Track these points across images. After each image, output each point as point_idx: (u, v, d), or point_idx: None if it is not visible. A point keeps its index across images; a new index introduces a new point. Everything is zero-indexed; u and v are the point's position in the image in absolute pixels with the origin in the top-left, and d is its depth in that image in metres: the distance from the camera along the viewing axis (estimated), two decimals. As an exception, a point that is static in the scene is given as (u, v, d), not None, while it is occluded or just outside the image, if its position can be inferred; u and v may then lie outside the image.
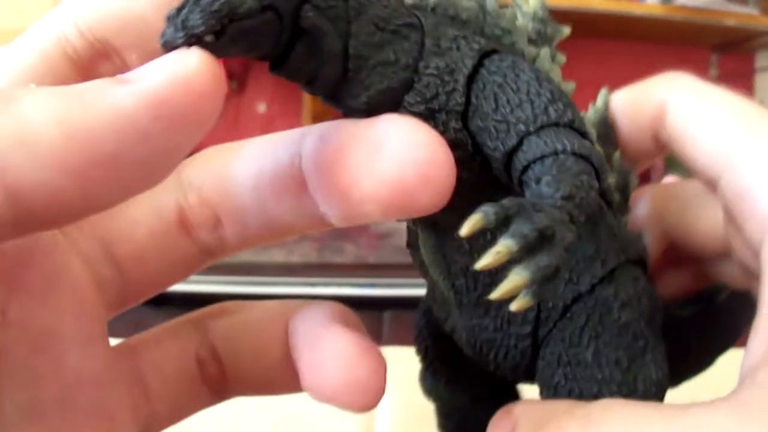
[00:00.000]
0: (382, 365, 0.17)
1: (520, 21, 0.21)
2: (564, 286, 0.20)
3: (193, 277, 0.55)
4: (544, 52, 0.21)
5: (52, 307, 0.17)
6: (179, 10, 0.15)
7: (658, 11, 1.68)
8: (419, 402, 0.28)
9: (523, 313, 0.20)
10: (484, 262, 0.15)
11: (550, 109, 0.18)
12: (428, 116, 0.18)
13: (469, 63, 0.18)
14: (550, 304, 0.20)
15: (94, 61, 0.17)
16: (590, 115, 0.23)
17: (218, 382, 0.20)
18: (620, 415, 0.16)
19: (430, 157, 0.15)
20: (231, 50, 0.15)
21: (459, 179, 0.17)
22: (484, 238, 0.18)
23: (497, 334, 0.21)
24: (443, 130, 0.18)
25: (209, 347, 0.20)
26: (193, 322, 0.21)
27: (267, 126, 1.77)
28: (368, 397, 0.17)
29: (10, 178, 0.12)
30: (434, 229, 0.20)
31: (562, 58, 0.22)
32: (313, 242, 0.66)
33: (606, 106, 0.23)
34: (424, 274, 0.23)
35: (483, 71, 0.18)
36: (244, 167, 0.19)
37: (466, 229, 0.15)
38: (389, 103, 0.17)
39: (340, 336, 0.18)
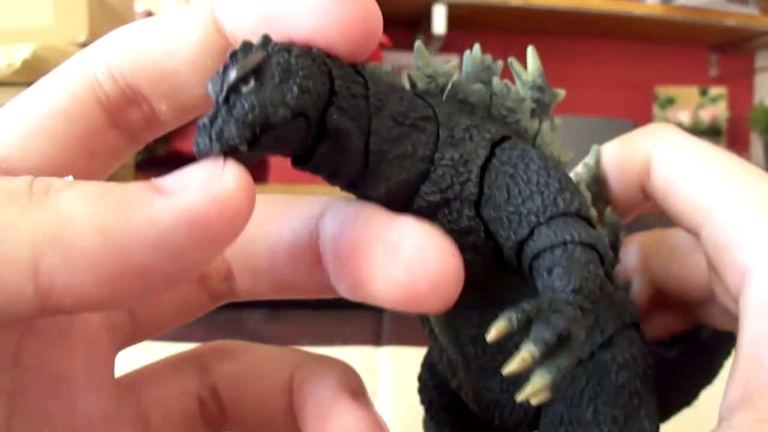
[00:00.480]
0: None
1: (521, 91, 0.22)
2: None
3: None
4: (545, 126, 0.22)
5: (64, 351, 0.17)
6: (212, 120, 0.15)
7: (658, 11, 1.68)
8: (419, 402, 0.28)
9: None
10: (511, 368, 0.16)
11: (559, 200, 0.19)
12: (443, 204, 0.19)
13: (482, 153, 0.19)
14: None
15: (124, 106, 0.17)
16: (582, 172, 0.24)
17: (218, 421, 0.21)
18: None
19: (441, 268, 0.15)
20: (261, 155, 0.16)
21: (471, 262, 0.18)
22: (493, 312, 0.18)
23: (503, 395, 0.22)
24: (457, 218, 0.19)
25: (211, 388, 0.20)
26: (196, 360, 0.21)
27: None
28: None
29: (43, 277, 0.12)
30: (456, 310, 0.21)
31: (558, 121, 0.22)
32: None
33: (597, 162, 0.24)
34: (433, 339, 0.24)
35: (495, 161, 0.19)
36: (262, 231, 0.19)
37: (492, 335, 0.16)
38: (406, 193, 0.18)
39: (350, 413, 0.18)
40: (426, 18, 1.63)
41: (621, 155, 0.23)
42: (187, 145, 1.62)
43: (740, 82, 1.99)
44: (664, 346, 0.26)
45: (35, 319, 0.14)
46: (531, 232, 0.18)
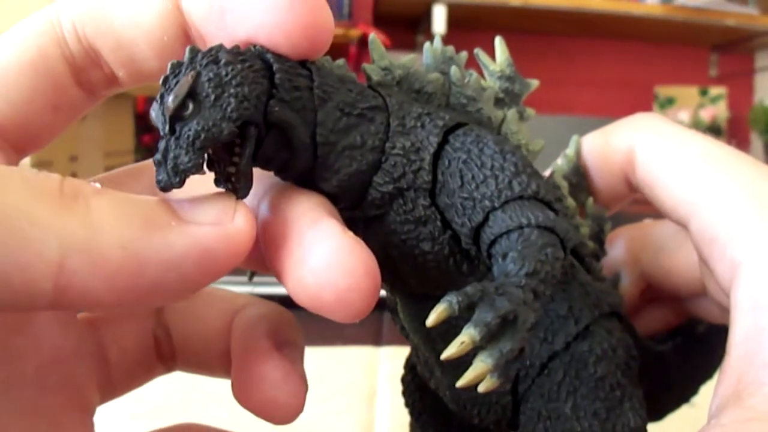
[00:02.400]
0: (302, 388, 0.19)
1: (488, 82, 0.21)
2: (540, 345, 0.21)
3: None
4: (511, 113, 0.21)
5: None
6: (164, 154, 0.15)
7: (658, 11, 1.68)
8: (404, 405, 0.28)
9: None
10: (449, 352, 0.15)
11: (514, 183, 0.18)
12: (397, 195, 0.18)
13: (434, 141, 0.19)
14: (528, 362, 0.21)
15: (87, 66, 0.18)
16: (561, 164, 0.24)
17: (170, 359, 0.22)
18: None
19: (349, 282, 0.15)
20: (220, 165, 0.16)
21: (429, 252, 0.19)
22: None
23: (479, 393, 0.21)
24: (412, 207, 0.19)
25: (164, 327, 0.21)
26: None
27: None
28: (287, 414, 0.19)
29: (64, 278, 0.13)
30: (411, 298, 0.21)
31: (531, 112, 0.22)
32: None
33: (577, 153, 0.24)
34: (405, 337, 0.23)
35: (448, 148, 0.19)
36: None
37: (432, 319, 0.16)
38: (359, 185, 0.18)
39: (270, 362, 0.19)
40: (426, 18, 1.63)
41: (603, 146, 0.23)
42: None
43: (740, 82, 1.99)
44: (659, 341, 0.26)
45: (41, 310, 0.14)
46: (486, 218, 0.18)
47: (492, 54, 0.22)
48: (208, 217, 0.15)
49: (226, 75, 0.16)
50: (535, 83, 0.22)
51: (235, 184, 0.16)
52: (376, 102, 0.19)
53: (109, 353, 0.20)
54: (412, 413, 0.27)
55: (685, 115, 1.71)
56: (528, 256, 0.17)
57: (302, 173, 0.18)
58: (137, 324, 0.21)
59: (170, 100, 0.15)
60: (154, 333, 0.21)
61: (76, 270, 0.13)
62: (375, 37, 0.20)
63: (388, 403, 0.39)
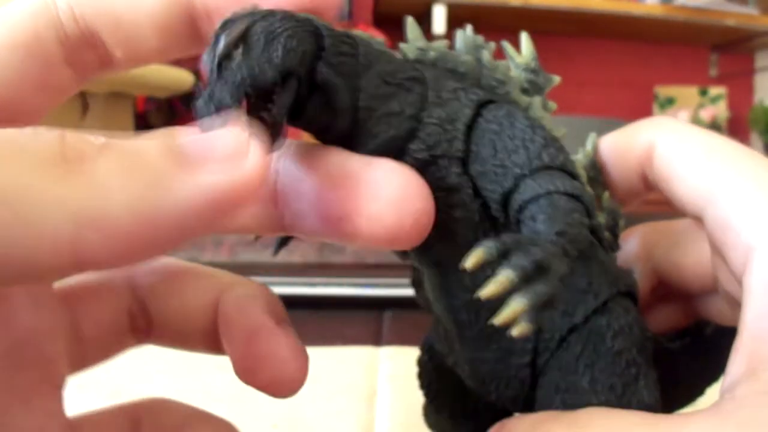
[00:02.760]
0: (306, 361, 0.19)
1: (514, 72, 0.22)
2: (560, 318, 0.21)
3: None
4: (537, 100, 0.22)
5: None
6: (210, 96, 0.16)
7: (658, 11, 1.68)
8: (419, 402, 0.28)
9: (522, 345, 0.21)
10: (487, 291, 0.16)
11: (543, 154, 0.19)
12: (431, 162, 0.19)
13: (468, 113, 0.20)
14: (547, 336, 0.21)
15: (81, 47, 0.18)
16: (580, 158, 0.24)
17: (145, 333, 0.22)
18: (604, 418, 0.17)
19: (423, 205, 0.17)
20: (257, 113, 0.16)
21: (460, 219, 0.19)
22: (484, 274, 0.19)
23: (498, 365, 0.22)
24: (445, 175, 0.19)
25: (141, 302, 0.21)
26: (128, 276, 0.22)
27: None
28: (293, 387, 0.19)
29: (79, 251, 0.13)
30: (438, 267, 0.21)
31: (553, 105, 0.23)
32: (313, 242, 0.66)
33: (595, 149, 0.25)
34: (428, 310, 0.24)
35: (481, 120, 0.20)
36: None
37: (470, 262, 0.16)
38: (395, 150, 0.19)
39: (275, 337, 0.19)
40: (426, 18, 1.63)
41: (621, 143, 0.24)
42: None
43: (740, 82, 2.00)
44: (668, 339, 0.26)
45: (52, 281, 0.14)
46: (516, 184, 0.19)
47: (495, 52, 0.23)
48: (219, 155, 0.15)
49: (279, 27, 0.16)
50: (557, 79, 0.23)
51: (270, 136, 0.17)
52: (415, 74, 0.19)
53: (83, 328, 0.20)
54: (427, 395, 0.27)
55: (685, 115, 1.71)
56: (557, 218, 0.18)
57: (341, 136, 0.18)
58: (112, 299, 0.21)
59: (222, 43, 0.16)
60: (129, 308, 0.21)
61: (90, 241, 0.13)
62: (412, 19, 0.21)
63: (388, 403, 0.39)
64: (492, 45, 0.22)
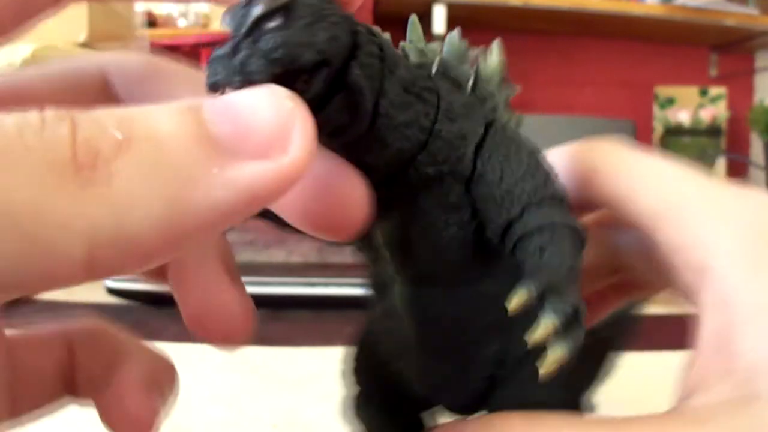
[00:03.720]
0: (252, 314, 0.19)
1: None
2: (525, 336, 0.21)
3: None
4: (515, 119, 0.22)
5: None
6: (233, 51, 0.15)
7: (658, 11, 1.68)
8: (346, 383, 0.28)
9: (483, 362, 0.22)
10: (537, 336, 0.17)
11: (549, 184, 0.20)
12: (437, 178, 0.19)
13: (479, 131, 0.19)
14: (509, 352, 0.22)
15: None
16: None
17: (76, 392, 0.21)
18: (519, 422, 0.18)
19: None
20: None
21: (453, 238, 0.20)
22: (464, 293, 0.20)
23: (455, 376, 0.22)
24: (448, 192, 0.19)
25: (73, 365, 0.20)
26: (65, 336, 0.21)
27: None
28: (239, 340, 0.19)
29: (94, 266, 0.11)
30: (417, 279, 0.21)
31: (522, 119, 0.23)
32: (313, 242, 0.66)
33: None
34: (387, 317, 0.23)
35: (489, 140, 0.20)
36: None
37: (514, 304, 0.17)
38: (404, 162, 0.18)
39: (226, 291, 0.19)
40: (426, 18, 1.63)
41: (568, 164, 0.23)
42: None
43: (740, 82, 1.99)
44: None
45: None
46: (521, 213, 0.19)
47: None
48: (258, 140, 0.12)
49: (326, 11, 0.15)
50: (518, 88, 0.23)
51: None
52: (430, 84, 0.19)
53: (21, 380, 0.19)
54: (359, 390, 0.27)
55: (685, 115, 1.71)
56: (565, 253, 0.18)
57: (351, 141, 0.18)
58: (52, 356, 0.20)
59: (261, 5, 0.14)
60: (64, 367, 0.20)
61: (108, 257, 0.11)
62: (415, 18, 0.21)
63: (388, 403, 0.39)
64: (476, 51, 0.21)
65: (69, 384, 0.21)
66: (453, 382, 0.22)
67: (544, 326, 0.16)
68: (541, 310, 0.17)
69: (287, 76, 0.15)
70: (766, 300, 0.18)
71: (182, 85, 0.19)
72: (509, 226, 0.19)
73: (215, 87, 0.15)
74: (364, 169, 0.18)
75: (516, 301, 0.17)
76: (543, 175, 0.19)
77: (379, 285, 0.24)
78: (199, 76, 0.19)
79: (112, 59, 0.20)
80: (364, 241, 0.21)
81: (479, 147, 0.19)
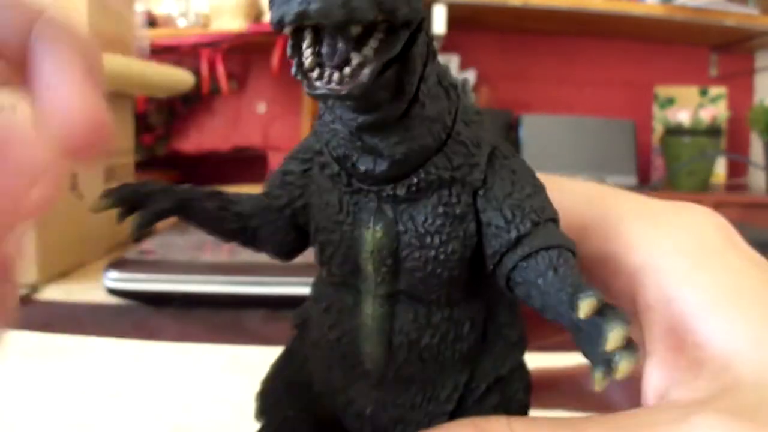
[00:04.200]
0: (104, 121, 0.17)
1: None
2: (491, 369, 0.21)
3: (193, 278, 0.54)
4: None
5: None
6: None
7: (658, 11, 1.68)
8: (257, 410, 0.27)
9: (449, 393, 0.20)
10: (611, 345, 0.15)
11: (550, 205, 0.19)
12: (447, 184, 0.18)
13: (492, 140, 0.19)
14: (474, 385, 0.21)
15: None
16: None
17: None
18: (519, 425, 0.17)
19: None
20: (328, 53, 0.15)
21: (455, 252, 0.18)
22: (440, 314, 0.19)
23: (413, 410, 0.21)
24: (456, 202, 0.18)
25: None
26: None
27: (267, 126, 1.77)
28: (86, 144, 0.17)
29: None
30: (394, 298, 0.19)
31: None
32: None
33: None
34: (336, 342, 0.20)
35: (498, 152, 0.19)
36: None
37: (585, 311, 0.15)
38: (421, 160, 0.17)
39: (77, 84, 0.17)
40: (426, 18, 1.63)
41: None
42: (187, 144, 1.62)
43: (740, 82, 1.99)
44: None
45: None
46: (531, 230, 0.18)
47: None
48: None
49: None
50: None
51: (345, 84, 0.15)
52: (454, 80, 0.18)
53: None
54: (269, 418, 0.23)
55: (685, 115, 1.71)
56: (577, 274, 0.17)
57: (377, 125, 0.17)
58: None
59: None
60: None
61: None
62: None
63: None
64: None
65: None
66: (414, 415, 0.20)
67: (618, 335, 0.15)
68: (605, 321, 0.15)
69: (371, 27, 0.14)
70: (716, 291, 0.18)
71: None
72: (518, 241, 0.18)
73: (302, 17, 0.14)
74: (370, 164, 0.17)
75: (587, 308, 0.15)
76: (544, 194, 0.19)
77: (332, 307, 0.20)
78: None
79: None
80: (344, 249, 0.19)
81: (491, 157, 0.18)
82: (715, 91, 1.91)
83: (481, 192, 0.18)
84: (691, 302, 0.18)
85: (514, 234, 0.18)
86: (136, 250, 0.58)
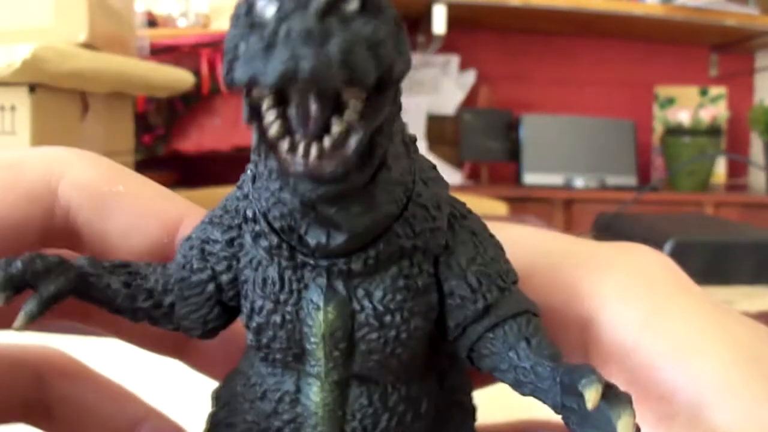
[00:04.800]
0: None
1: None
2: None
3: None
4: None
5: None
6: (317, 31, 0.11)
7: (658, 11, 1.68)
8: None
9: None
10: (626, 422, 0.13)
11: (511, 266, 0.17)
12: (408, 254, 0.16)
13: (450, 200, 0.17)
14: None
15: (56, 241, 0.18)
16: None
17: (44, 421, 0.21)
18: None
19: None
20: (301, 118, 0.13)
21: (418, 329, 0.16)
22: (400, 396, 0.17)
23: None
24: (418, 273, 0.16)
25: (45, 402, 0.20)
26: (29, 367, 0.21)
27: (267, 126, 1.76)
28: None
29: None
30: (348, 379, 0.17)
31: None
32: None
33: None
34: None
35: (456, 212, 0.17)
36: None
37: (594, 400, 0.13)
38: (381, 229, 0.15)
39: None
40: (426, 18, 1.63)
41: None
42: (187, 144, 1.62)
43: (740, 82, 1.99)
44: None
45: None
46: (498, 299, 0.16)
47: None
48: None
49: (390, 7, 0.13)
50: None
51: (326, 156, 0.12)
52: (414, 136, 0.16)
53: None
54: None
55: (685, 115, 1.71)
56: (552, 343, 0.16)
57: (338, 197, 0.14)
58: (6, 384, 0.20)
59: None
60: (26, 398, 0.20)
61: None
62: None
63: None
64: None
65: (29, 414, 0.20)
66: None
67: (628, 423, 0.13)
68: (610, 406, 0.13)
69: (369, 84, 0.12)
70: (677, 338, 0.17)
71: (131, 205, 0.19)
72: (485, 312, 0.16)
73: (288, 79, 0.11)
74: (323, 237, 0.15)
75: (594, 396, 0.13)
76: (505, 254, 0.17)
77: (269, 393, 0.18)
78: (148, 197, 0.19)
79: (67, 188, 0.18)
80: (287, 333, 0.16)
81: (450, 219, 0.16)
82: (715, 91, 1.91)
83: (442, 258, 0.16)
84: (652, 352, 0.17)
85: (481, 304, 0.16)
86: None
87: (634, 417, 0.13)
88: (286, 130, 0.13)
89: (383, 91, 0.13)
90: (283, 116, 0.13)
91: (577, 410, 0.14)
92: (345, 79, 0.11)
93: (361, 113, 0.12)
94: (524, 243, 0.19)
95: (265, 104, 0.13)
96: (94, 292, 0.17)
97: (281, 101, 0.13)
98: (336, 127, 0.12)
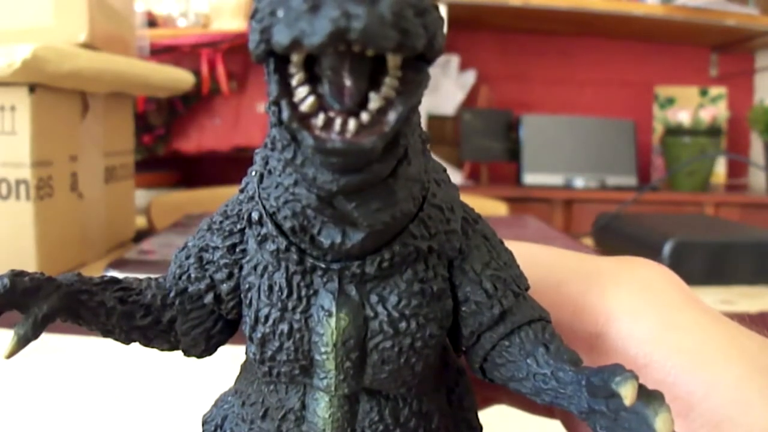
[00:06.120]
0: None
1: None
2: None
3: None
4: None
5: None
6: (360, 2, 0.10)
7: (658, 11, 1.68)
8: None
9: None
10: (665, 419, 0.13)
11: (523, 274, 0.17)
12: (424, 256, 0.15)
13: (462, 204, 0.16)
14: None
15: None
16: None
17: None
18: None
19: None
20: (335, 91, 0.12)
21: (433, 337, 0.15)
22: (410, 411, 0.16)
23: None
24: (433, 276, 0.15)
25: None
26: None
27: (267, 126, 1.76)
28: None
29: None
30: (358, 393, 0.16)
31: None
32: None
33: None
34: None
35: (468, 216, 0.16)
36: None
37: (632, 396, 0.13)
38: (398, 229, 0.14)
39: None
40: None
41: None
42: (187, 145, 1.62)
43: (740, 82, 1.99)
44: None
45: None
46: (513, 305, 0.16)
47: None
48: None
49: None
50: None
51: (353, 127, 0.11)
52: (427, 134, 0.15)
53: None
54: None
55: (685, 115, 1.71)
56: (568, 346, 0.16)
57: (356, 190, 0.13)
58: None
59: None
60: None
61: None
62: None
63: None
64: None
65: None
66: None
67: (667, 420, 0.13)
68: (645, 405, 0.13)
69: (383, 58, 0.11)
70: (691, 353, 0.16)
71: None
72: (501, 317, 0.16)
73: (340, 38, 0.10)
74: (338, 236, 0.14)
75: (632, 392, 0.13)
76: (517, 263, 0.17)
77: (271, 411, 0.17)
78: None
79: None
80: (295, 344, 0.15)
81: (463, 223, 0.16)
82: (715, 91, 1.91)
83: (456, 263, 0.16)
84: (666, 366, 0.17)
85: (497, 310, 0.16)
86: (136, 250, 0.58)
87: (671, 415, 0.13)
88: (320, 107, 0.12)
89: (420, 68, 0.12)
90: (314, 92, 0.12)
91: (606, 413, 0.14)
92: (397, 42, 0.11)
93: (397, 90, 0.12)
94: (529, 259, 0.19)
95: (296, 80, 0.12)
96: (84, 311, 0.16)
97: (310, 77, 0.12)
98: (374, 102, 0.12)
